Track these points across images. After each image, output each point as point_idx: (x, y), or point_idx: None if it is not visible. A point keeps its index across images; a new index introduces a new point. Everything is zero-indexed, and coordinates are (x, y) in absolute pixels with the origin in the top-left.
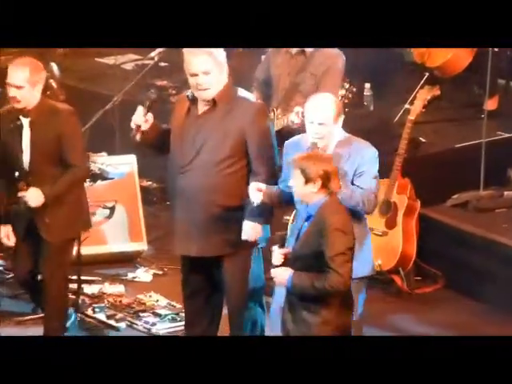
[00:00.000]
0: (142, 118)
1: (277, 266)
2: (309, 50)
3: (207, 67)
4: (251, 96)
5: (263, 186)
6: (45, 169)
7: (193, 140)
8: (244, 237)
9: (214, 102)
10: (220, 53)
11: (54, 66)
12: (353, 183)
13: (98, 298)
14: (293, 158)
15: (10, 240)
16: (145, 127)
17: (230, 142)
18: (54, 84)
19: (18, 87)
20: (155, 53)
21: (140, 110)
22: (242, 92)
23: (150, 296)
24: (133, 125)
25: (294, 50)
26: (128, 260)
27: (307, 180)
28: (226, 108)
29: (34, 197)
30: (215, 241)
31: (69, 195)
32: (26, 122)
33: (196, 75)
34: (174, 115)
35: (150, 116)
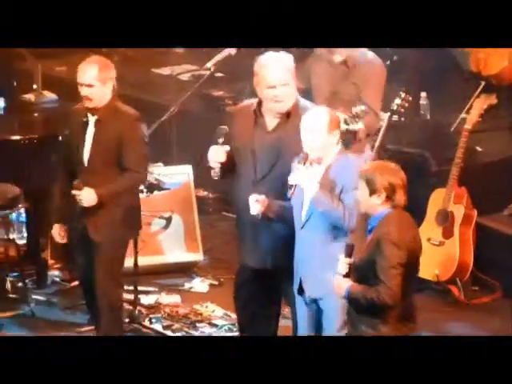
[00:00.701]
0: (222, 155)
1: (343, 276)
2: (351, 60)
3: (286, 79)
4: (312, 105)
5: (262, 197)
6: (103, 169)
7: (267, 155)
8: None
9: (287, 115)
10: (292, 63)
11: None
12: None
13: (154, 308)
14: (360, 169)
15: (63, 238)
16: (224, 160)
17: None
18: None
19: (89, 85)
20: (211, 63)
21: (216, 148)
22: (304, 102)
23: (207, 306)
24: (215, 164)
25: (336, 60)
26: (184, 270)
27: (372, 191)
28: (296, 120)
29: (87, 197)
30: (290, 252)
31: (121, 197)
32: (92, 119)
33: (273, 87)
34: (237, 127)
35: (228, 148)
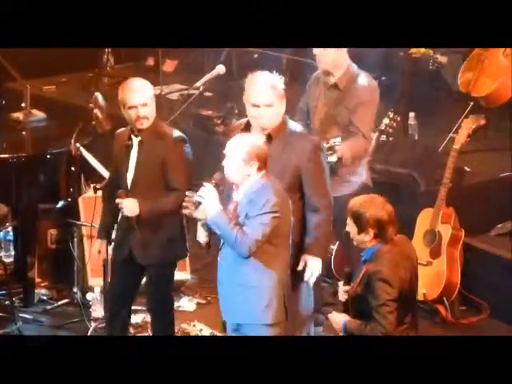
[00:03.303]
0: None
1: (343, 303)
2: (342, 83)
3: (270, 99)
4: (304, 130)
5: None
6: (146, 191)
7: None
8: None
9: (269, 137)
10: (280, 84)
11: (99, 96)
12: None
13: (141, 327)
14: (348, 206)
15: (101, 255)
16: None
17: (286, 177)
18: (99, 114)
19: (144, 105)
20: (200, 82)
21: (202, 231)
22: (294, 125)
23: (194, 325)
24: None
25: (330, 82)
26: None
27: (360, 229)
28: (281, 143)
29: (130, 206)
30: None
31: (165, 220)
32: (135, 141)
33: (257, 106)
34: None
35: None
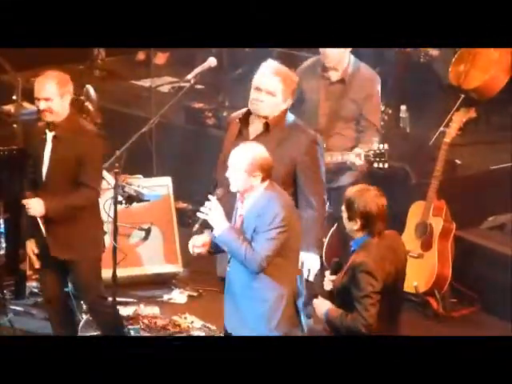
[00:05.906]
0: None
1: (328, 292)
2: (347, 76)
3: (273, 88)
4: (302, 123)
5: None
6: (62, 185)
7: None
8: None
9: (266, 127)
10: (290, 79)
11: (91, 89)
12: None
13: (133, 319)
14: (345, 192)
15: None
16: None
17: (280, 169)
18: (90, 107)
19: (47, 99)
20: (191, 75)
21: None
22: (292, 118)
23: (185, 317)
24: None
25: (333, 78)
26: (163, 281)
27: (349, 217)
28: (279, 135)
29: (35, 206)
30: None
31: (80, 215)
32: (49, 136)
33: (258, 90)
34: (225, 138)
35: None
